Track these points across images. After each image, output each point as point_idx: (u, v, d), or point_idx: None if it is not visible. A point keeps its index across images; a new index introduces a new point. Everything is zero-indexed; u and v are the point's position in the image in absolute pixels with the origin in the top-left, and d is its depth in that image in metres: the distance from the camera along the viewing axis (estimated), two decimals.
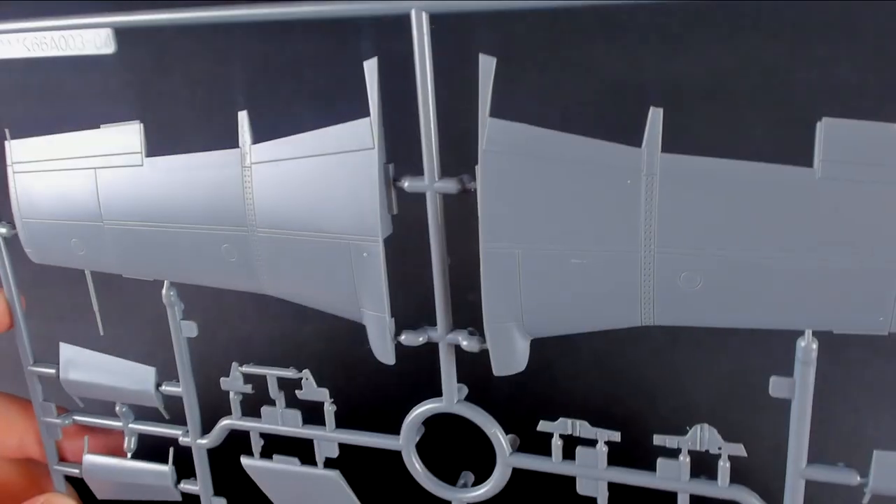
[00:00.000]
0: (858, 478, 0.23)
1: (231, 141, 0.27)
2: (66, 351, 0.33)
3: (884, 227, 0.20)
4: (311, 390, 0.29)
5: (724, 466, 0.24)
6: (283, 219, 0.26)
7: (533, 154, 0.23)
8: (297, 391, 0.29)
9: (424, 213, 0.25)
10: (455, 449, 0.30)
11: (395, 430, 0.29)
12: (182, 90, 0.36)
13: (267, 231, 0.26)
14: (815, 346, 0.22)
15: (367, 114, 0.24)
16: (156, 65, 0.35)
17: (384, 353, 0.26)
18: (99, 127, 0.28)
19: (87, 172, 0.29)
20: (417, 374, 0.28)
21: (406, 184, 0.24)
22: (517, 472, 0.28)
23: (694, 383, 0.32)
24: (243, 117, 0.26)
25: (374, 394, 0.30)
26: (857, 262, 0.21)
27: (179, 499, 0.33)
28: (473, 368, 0.27)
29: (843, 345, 0.22)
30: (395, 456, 0.29)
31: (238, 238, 0.27)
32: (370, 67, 0.23)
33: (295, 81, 0.34)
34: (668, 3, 0.21)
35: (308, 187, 0.25)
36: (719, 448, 0.24)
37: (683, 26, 0.28)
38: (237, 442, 0.32)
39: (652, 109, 0.21)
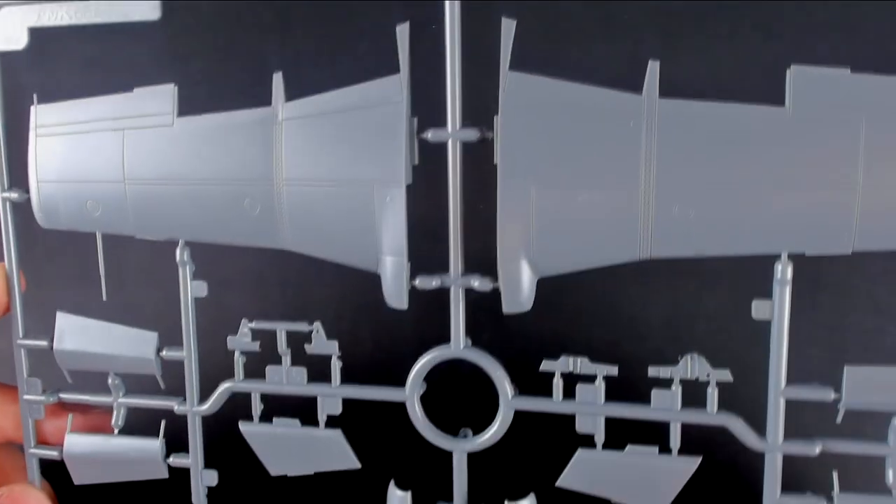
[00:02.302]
0: (833, 394, 0.26)
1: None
2: (63, 320, 0.33)
3: (845, 159, 0.24)
4: (322, 343, 0.30)
5: (712, 393, 0.27)
6: (310, 171, 0.28)
7: (547, 102, 0.26)
8: (305, 345, 0.30)
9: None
10: (449, 409, 0.31)
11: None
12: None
13: (292, 182, 0.29)
14: (790, 267, 0.25)
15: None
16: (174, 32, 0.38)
17: (398, 297, 0.28)
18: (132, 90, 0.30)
19: (114, 134, 0.30)
20: (416, 337, 0.30)
21: (429, 135, 0.27)
22: (512, 431, 0.29)
23: (683, 322, 0.35)
24: (278, 79, 0.29)
25: (369, 361, 0.32)
26: (824, 190, 0.24)
27: (166, 475, 0.33)
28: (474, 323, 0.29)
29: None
30: (393, 416, 0.30)
31: (262, 192, 0.29)
32: (402, 31, 0.27)
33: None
34: (669, 2, 0.25)
35: (337, 140, 0.28)
36: (708, 375, 0.27)
37: (683, 26, 0.32)
38: (229, 419, 0.32)
39: (650, 62, 0.25)
